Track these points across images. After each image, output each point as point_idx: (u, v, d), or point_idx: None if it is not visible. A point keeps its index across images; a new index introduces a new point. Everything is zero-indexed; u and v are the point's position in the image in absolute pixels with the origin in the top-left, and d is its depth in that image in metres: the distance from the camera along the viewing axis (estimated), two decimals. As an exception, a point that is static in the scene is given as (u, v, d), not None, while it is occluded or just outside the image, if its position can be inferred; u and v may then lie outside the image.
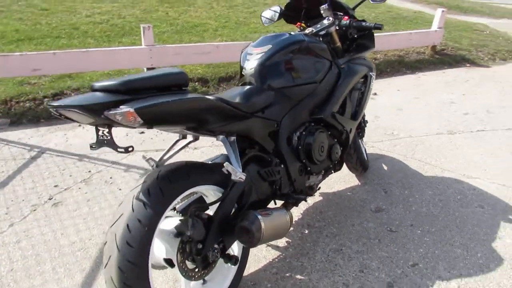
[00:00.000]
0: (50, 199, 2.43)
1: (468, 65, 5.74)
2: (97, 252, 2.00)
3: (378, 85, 4.61)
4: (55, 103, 1.18)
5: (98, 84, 1.27)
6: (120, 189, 2.54)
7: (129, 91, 1.26)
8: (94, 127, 1.26)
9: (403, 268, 1.92)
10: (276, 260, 1.97)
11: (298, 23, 2.25)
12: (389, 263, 1.95)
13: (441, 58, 5.74)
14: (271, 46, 1.80)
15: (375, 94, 4.37)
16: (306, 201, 1.83)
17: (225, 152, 1.61)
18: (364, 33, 2.28)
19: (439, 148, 3.20)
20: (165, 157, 1.60)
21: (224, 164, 1.45)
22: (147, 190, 1.34)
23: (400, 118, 3.81)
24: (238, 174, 1.45)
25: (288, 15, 2.36)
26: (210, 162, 1.64)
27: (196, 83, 4.38)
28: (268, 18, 2.40)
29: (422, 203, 2.45)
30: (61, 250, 2.01)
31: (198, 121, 1.40)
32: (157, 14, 7.12)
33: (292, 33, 1.93)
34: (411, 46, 5.75)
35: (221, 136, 1.54)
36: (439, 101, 4.30)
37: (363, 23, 2.15)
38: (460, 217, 2.31)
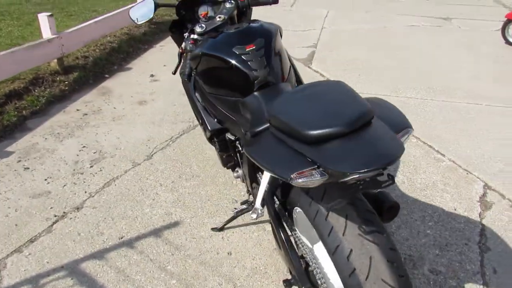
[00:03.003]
0: None
1: None
2: None
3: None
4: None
5: (338, 128, 1.00)
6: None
7: None
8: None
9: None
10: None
11: (204, 13, 2.03)
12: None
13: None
14: (263, 39, 1.69)
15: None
16: None
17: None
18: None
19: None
20: None
21: None
22: (363, 219, 1.19)
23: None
24: None
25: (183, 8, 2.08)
26: None
27: None
28: (141, 16, 2.06)
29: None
30: None
31: None
32: None
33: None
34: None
35: None
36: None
37: None
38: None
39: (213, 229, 2.11)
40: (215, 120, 1.95)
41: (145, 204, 2.30)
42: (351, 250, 1.16)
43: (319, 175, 0.99)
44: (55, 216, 2.20)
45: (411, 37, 5.52)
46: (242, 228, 2.13)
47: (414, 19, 6.42)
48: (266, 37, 1.71)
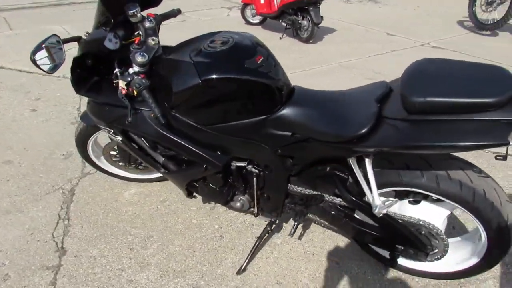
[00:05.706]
0: None
1: None
2: None
3: None
4: None
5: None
6: None
7: None
8: None
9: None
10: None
11: (137, 38, 1.62)
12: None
13: None
14: (260, 47, 1.59)
15: None
16: None
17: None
18: None
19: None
20: None
21: None
22: (467, 164, 1.43)
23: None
24: None
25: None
26: None
27: None
28: (52, 67, 1.57)
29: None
30: None
31: None
32: None
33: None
34: None
35: None
36: None
37: (165, 12, 1.96)
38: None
39: (238, 272, 1.84)
40: (218, 152, 1.68)
41: (131, 300, 1.73)
42: (484, 190, 1.38)
43: None
44: None
45: (176, 36, 5.71)
46: (258, 255, 1.95)
47: (158, 18, 6.61)
48: (260, 44, 1.60)
